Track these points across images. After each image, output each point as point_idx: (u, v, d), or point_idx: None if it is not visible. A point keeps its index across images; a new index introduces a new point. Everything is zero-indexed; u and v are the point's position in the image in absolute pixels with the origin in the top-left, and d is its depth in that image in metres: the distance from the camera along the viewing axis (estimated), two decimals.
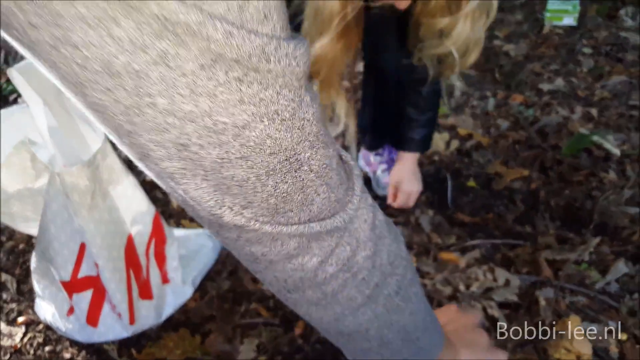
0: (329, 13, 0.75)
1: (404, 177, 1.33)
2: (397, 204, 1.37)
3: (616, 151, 1.60)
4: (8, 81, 2.05)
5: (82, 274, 1.00)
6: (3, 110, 0.97)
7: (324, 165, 0.37)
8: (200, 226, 1.32)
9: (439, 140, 1.67)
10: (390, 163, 1.46)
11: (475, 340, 0.63)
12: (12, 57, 2.14)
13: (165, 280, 1.13)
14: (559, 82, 2.04)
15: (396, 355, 0.52)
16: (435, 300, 1.15)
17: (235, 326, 1.11)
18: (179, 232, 1.28)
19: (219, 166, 0.32)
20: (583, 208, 1.43)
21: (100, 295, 1.04)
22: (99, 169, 0.88)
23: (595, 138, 1.62)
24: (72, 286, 1.01)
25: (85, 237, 0.93)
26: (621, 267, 1.26)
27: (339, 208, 0.40)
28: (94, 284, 1.02)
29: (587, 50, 2.31)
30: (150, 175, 0.35)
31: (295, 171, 0.35)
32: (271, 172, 0.33)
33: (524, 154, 1.63)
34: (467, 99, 1.94)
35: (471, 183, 1.53)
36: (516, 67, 2.15)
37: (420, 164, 1.57)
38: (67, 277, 0.99)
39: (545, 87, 2.00)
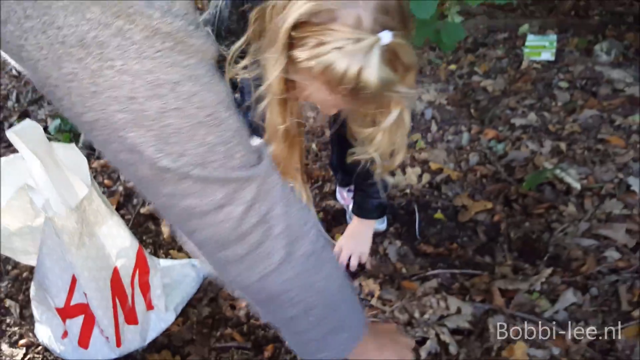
0: (274, 126, 0.90)
1: (353, 239, 1.45)
2: (351, 266, 1.44)
3: (577, 185, 1.71)
4: (18, 118, 2.21)
5: (74, 301, 1.14)
6: (4, 158, 1.13)
7: (239, 127, 0.53)
8: (187, 256, 1.46)
9: (412, 174, 1.80)
10: None
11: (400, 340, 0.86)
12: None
13: (149, 307, 1.26)
14: (532, 116, 2.16)
15: (322, 323, 0.65)
16: None
17: (210, 349, 1.24)
18: (165, 262, 1.41)
19: (160, 115, 0.46)
20: (540, 240, 1.55)
21: (90, 320, 1.17)
22: (86, 213, 1.02)
23: (557, 172, 1.74)
24: (66, 312, 1.15)
25: (75, 270, 1.07)
26: (569, 297, 1.36)
27: (256, 162, 0.55)
28: (85, 310, 1.16)
29: (563, 84, 2.43)
30: (104, 151, 0.50)
31: (217, 126, 0.50)
32: (199, 124, 0.48)
33: (490, 187, 1.75)
34: (443, 133, 2.07)
35: (439, 215, 1.65)
36: (492, 102, 2.27)
37: (392, 197, 1.70)
38: (61, 304, 1.13)
39: (517, 121, 2.12)
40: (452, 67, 2.57)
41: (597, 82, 2.42)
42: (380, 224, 1.56)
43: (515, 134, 2.05)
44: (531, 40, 2.63)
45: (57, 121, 2.03)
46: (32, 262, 1.21)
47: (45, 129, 2.13)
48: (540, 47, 2.59)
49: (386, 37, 0.70)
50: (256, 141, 0.57)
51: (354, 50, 0.69)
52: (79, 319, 1.16)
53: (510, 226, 1.60)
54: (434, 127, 2.10)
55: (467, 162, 1.89)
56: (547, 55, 2.58)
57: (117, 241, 1.14)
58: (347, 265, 1.43)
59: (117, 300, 1.16)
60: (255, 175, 0.54)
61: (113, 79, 0.42)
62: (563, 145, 1.97)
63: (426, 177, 1.79)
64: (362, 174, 1.26)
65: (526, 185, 1.68)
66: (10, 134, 0.92)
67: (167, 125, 0.46)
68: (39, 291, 1.19)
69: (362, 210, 1.42)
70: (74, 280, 1.11)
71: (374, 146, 0.89)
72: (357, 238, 1.45)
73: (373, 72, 0.69)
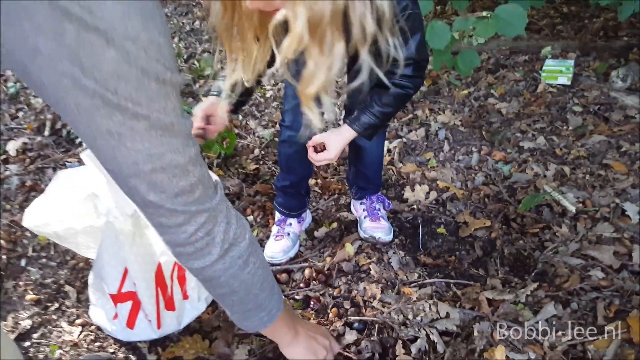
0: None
1: (330, 140, 1.45)
2: (312, 156, 1.48)
3: (572, 208, 1.87)
4: None
5: (125, 289, 1.39)
6: (61, 171, 1.40)
7: (202, 174, 0.79)
8: None
9: (420, 192, 1.99)
10: (371, 211, 1.80)
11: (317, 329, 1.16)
12: None
13: (185, 296, 1.51)
14: (540, 140, 2.31)
15: (244, 303, 0.97)
16: (387, 325, 1.47)
17: (234, 335, 1.47)
18: None
19: (151, 172, 0.72)
20: (531, 257, 1.72)
21: (137, 305, 1.42)
22: (139, 218, 1.27)
23: (554, 195, 1.90)
24: (117, 298, 1.40)
25: (127, 263, 1.32)
26: (551, 309, 1.53)
27: (211, 195, 0.83)
28: (133, 297, 1.41)
29: (577, 108, 2.57)
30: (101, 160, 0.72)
31: (186, 176, 0.76)
32: (174, 176, 0.74)
33: (491, 206, 1.93)
34: (454, 153, 2.25)
35: (441, 230, 1.84)
36: (504, 125, 2.44)
37: (400, 211, 1.90)
38: (114, 291, 1.38)
39: (526, 144, 2.28)
40: (465, 91, 2.73)
41: (611, 108, 2.55)
42: (387, 235, 1.76)
43: (523, 156, 2.22)
44: (549, 64, 2.76)
45: None
46: (91, 255, 1.47)
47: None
48: (557, 72, 2.72)
49: None
50: (214, 177, 0.87)
51: None
52: (128, 304, 1.41)
53: (505, 243, 1.77)
54: (446, 147, 2.28)
55: (473, 181, 2.06)
56: (564, 80, 2.72)
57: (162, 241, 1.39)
58: (316, 149, 1.49)
59: (159, 290, 1.41)
60: (208, 208, 0.81)
61: (125, 151, 0.68)
62: (567, 169, 2.13)
63: (433, 195, 1.98)
64: (379, 91, 1.36)
65: (522, 207, 1.86)
66: (83, 156, 1.18)
67: (154, 177, 0.72)
68: (96, 279, 1.45)
69: (352, 119, 1.44)
70: (125, 272, 1.36)
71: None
72: (332, 137, 1.45)
73: None
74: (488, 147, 2.27)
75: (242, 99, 1.58)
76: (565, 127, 2.43)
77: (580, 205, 1.91)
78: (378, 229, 1.77)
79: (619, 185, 2.01)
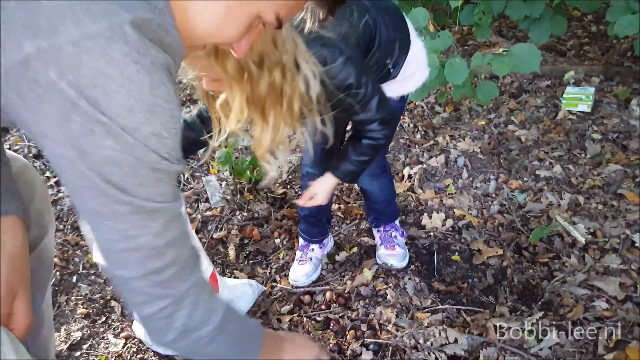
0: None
1: (318, 188, 1.60)
2: (303, 202, 1.63)
3: (582, 239, 1.97)
4: None
5: None
6: None
7: (184, 254, 0.74)
8: (247, 277, 1.86)
9: (437, 219, 2.12)
10: (386, 238, 1.94)
11: (302, 341, 1.08)
12: None
13: None
14: (557, 168, 2.40)
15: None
16: (400, 348, 1.61)
17: None
18: (230, 281, 1.82)
19: (125, 245, 0.69)
20: (539, 286, 1.83)
21: None
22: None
23: (565, 226, 2.00)
24: None
25: None
26: (554, 337, 1.64)
27: (182, 281, 0.75)
28: None
29: (596, 136, 2.64)
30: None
31: (160, 258, 0.70)
32: (146, 254, 0.69)
33: (505, 235, 2.04)
34: (472, 180, 2.37)
35: (456, 257, 1.96)
36: (523, 152, 2.53)
37: (417, 237, 2.03)
38: None
39: (542, 173, 2.37)
40: (484, 121, 2.82)
41: (630, 136, 2.61)
42: (400, 262, 1.90)
43: (539, 185, 2.31)
44: (569, 92, 2.84)
45: None
46: None
47: None
48: (577, 99, 2.80)
49: None
50: (199, 252, 0.86)
51: None
52: None
53: (515, 271, 1.88)
54: (464, 174, 2.39)
55: (489, 209, 2.18)
56: (584, 107, 2.79)
57: None
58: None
59: None
60: (175, 293, 0.75)
61: (103, 227, 0.68)
62: (581, 199, 2.21)
63: (449, 222, 2.11)
64: (352, 142, 1.50)
65: (532, 238, 1.96)
66: None
67: (124, 256, 0.70)
68: None
69: (333, 166, 1.57)
70: None
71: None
72: (319, 185, 1.60)
73: None
74: (505, 175, 2.37)
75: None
76: (583, 155, 2.51)
77: (590, 236, 2.00)
78: (392, 256, 1.91)
79: (630, 216, 2.09)
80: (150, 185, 0.65)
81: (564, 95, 2.85)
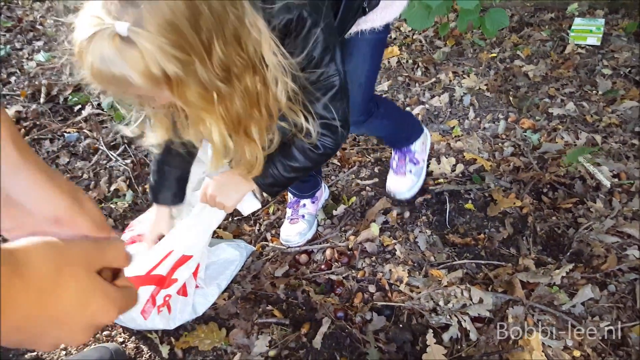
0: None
1: (225, 185, 1.21)
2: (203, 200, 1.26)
3: (607, 182, 1.76)
4: (73, 93, 2.37)
5: (156, 272, 1.28)
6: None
7: None
8: (232, 236, 1.60)
9: (446, 164, 1.87)
10: (398, 166, 1.76)
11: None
12: None
13: (196, 286, 1.42)
14: (570, 106, 2.17)
15: None
16: (416, 312, 1.39)
17: (253, 324, 1.39)
18: (213, 241, 1.56)
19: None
20: (565, 235, 1.62)
21: (157, 292, 1.33)
22: None
23: (589, 167, 1.79)
24: (143, 280, 1.29)
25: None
26: (588, 292, 1.45)
27: None
28: (160, 282, 1.30)
29: (606, 71, 2.41)
30: None
31: None
32: None
33: (522, 179, 1.81)
34: (480, 121, 2.12)
35: (469, 205, 1.74)
36: (532, 89, 2.29)
37: (425, 185, 1.79)
38: (143, 272, 1.27)
39: (555, 111, 2.14)
40: (493, 54, 2.56)
41: None
42: (402, 194, 1.74)
43: (552, 124, 2.09)
44: (578, 23, 2.59)
45: (110, 98, 2.17)
46: None
47: (98, 105, 2.28)
48: (586, 32, 2.55)
49: (121, 27, 0.71)
50: None
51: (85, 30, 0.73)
52: (150, 288, 1.30)
53: (537, 219, 1.67)
54: (471, 114, 2.15)
55: (502, 152, 1.94)
56: (593, 40, 2.55)
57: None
58: None
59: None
60: None
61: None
62: (599, 138, 2.00)
63: (459, 167, 1.87)
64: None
65: (568, 159, 1.76)
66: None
67: None
68: None
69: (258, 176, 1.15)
70: (169, 254, 1.27)
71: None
72: (227, 186, 1.20)
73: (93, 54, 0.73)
74: (515, 114, 2.14)
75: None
76: (594, 92, 2.29)
77: (615, 179, 1.80)
78: (397, 183, 1.76)
79: None
80: None
81: (572, 28, 2.60)
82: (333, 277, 1.51)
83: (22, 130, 2.18)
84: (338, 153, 1.96)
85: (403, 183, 1.75)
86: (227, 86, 0.80)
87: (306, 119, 1.01)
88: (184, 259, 1.29)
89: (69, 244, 0.40)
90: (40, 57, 2.70)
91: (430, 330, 1.35)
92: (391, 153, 1.80)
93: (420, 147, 1.76)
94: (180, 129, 1.01)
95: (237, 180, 1.17)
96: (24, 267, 0.35)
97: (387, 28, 1.32)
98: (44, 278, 0.36)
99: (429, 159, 1.89)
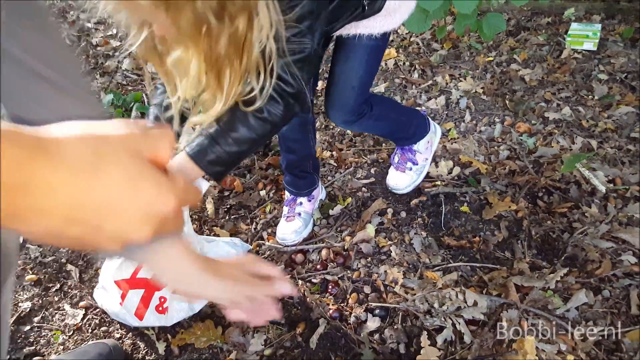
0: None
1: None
2: None
3: (602, 188, 1.77)
4: None
5: (139, 275, 1.30)
6: None
7: None
8: (229, 234, 1.60)
9: (443, 167, 1.88)
10: (400, 163, 1.79)
11: None
12: None
13: None
14: (566, 110, 2.18)
15: None
16: (411, 313, 1.39)
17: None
18: (210, 239, 1.55)
19: None
20: (559, 239, 1.63)
21: (149, 294, 1.33)
22: None
23: (584, 172, 1.79)
24: (129, 284, 1.31)
25: None
26: (582, 297, 1.45)
27: None
28: (146, 285, 1.31)
29: (602, 76, 2.42)
30: None
31: None
32: None
33: (518, 183, 1.82)
34: (476, 124, 2.13)
35: (465, 208, 1.74)
36: (528, 93, 2.30)
37: (422, 187, 1.80)
38: (127, 276, 1.29)
39: (551, 115, 2.15)
40: (490, 58, 2.57)
41: (638, 76, 2.41)
42: (400, 188, 1.79)
43: (548, 128, 2.09)
44: (575, 28, 2.60)
45: (110, 96, 2.16)
46: None
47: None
48: (583, 37, 2.57)
49: None
50: None
51: None
52: (140, 292, 1.32)
53: (532, 223, 1.68)
54: (467, 117, 2.15)
55: (497, 155, 1.95)
56: (589, 45, 2.56)
57: None
58: None
59: None
60: None
61: None
62: (594, 143, 2.01)
63: (456, 170, 1.87)
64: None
65: (564, 169, 1.76)
66: None
67: None
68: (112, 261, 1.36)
69: (198, 149, 1.04)
70: None
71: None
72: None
73: None
74: (511, 118, 2.14)
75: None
76: (590, 97, 2.30)
77: (611, 185, 1.81)
78: (396, 178, 1.79)
79: None
80: None
81: (569, 33, 2.61)
82: (328, 277, 1.51)
83: None
84: (335, 154, 1.96)
85: (402, 179, 1.78)
86: (219, 23, 0.78)
87: (264, 80, 0.94)
88: None
89: (106, 126, 0.36)
90: None
91: (425, 332, 1.35)
92: (394, 150, 1.83)
93: (424, 146, 1.77)
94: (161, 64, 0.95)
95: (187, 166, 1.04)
96: (56, 152, 0.32)
97: (385, 37, 1.34)
98: (82, 161, 0.33)
99: None
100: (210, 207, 1.73)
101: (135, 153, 0.37)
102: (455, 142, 2.01)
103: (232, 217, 1.74)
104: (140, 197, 0.36)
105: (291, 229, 1.63)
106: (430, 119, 1.80)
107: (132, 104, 2.12)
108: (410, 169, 1.77)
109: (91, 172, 0.34)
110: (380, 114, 1.53)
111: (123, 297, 1.33)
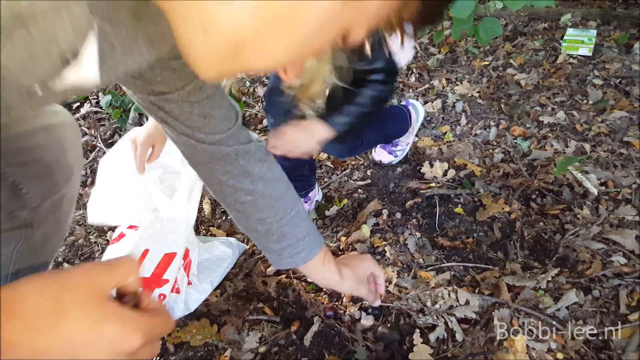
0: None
1: (300, 136, 1.38)
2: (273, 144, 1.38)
3: (594, 190, 1.80)
4: None
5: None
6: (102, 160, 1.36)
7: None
8: (225, 234, 1.63)
9: (438, 169, 1.91)
10: (384, 147, 1.94)
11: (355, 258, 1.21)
12: None
13: (189, 282, 1.44)
14: (561, 114, 2.22)
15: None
16: (404, 312, 1.41)
17: (244, 320, 1.41)
18: (205, 238, 1.58)
19: None
20: (551, 240, 1.65)
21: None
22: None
23: (577, 175, 1.82)
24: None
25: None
26: (572, 297, 1.48)
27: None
28: (145, 283, 1.34)
29: (597, 81, 2.46)
30: None
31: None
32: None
33: (511, 185, 1.85)
34: (472, 127, 2.16)
35: (459, 210, 1.77)
36: (523, 97, 2.33)
37: (417, 189, 1.82)
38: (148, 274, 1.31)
39: (546, 119, 2.18)
40: (486, 62, 2.61)
41: (632, 82, 2.44)
42: (388, 160, 1.96)
43: (542, 132, 2.12)
44: (570, 34, 2.64)
45: (109, 97, 2.19)
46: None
47: (97, 103, 2.30)
48: (578, 42, 2.60)
49: None
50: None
51: None
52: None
53: (525, 225, 1.70)
54: (463, 121, 2.18)
55: (492, 158, 1.98)
56: (585, 51, 2.60)
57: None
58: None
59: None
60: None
61: None
62: (587, 147, 2.04)
63: (451, 173, 1.90)
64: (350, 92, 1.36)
65: (557, 171, 1.79)
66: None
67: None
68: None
69: (330, 115, 1.38)
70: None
71: None
72: (303, 134, 1.37)
73: None
74: (507, 121, 2.18)
75: None
76: (585, 101, 2.33)
77: (603, 187, 1.83)
78: (380, 155, 1.96)
79: None
80: None
81: (564, 38, 2.64)
82: None
83: None
84: (331, 156, 1.99)
85: (386, 157, 1.98)
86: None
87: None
88: (169, 258, 1.31)
89: (68, 272, 0.38)
90: None
91: (417, 330, 1.37)
92: None
93: (404, 137, 1.93)
94: None
95: (309, 131, 1.36)
96: (14, 309, 0.34)
97: None
98: (42, 313, 0.35)
99: (421, 163, 1.92)
100: (207, 207, 1.76)
101: (99, 295, 0.39)
102: (451, 145, 2.04)
103: (228, 217, 1.77)
104: (105, 337, 0.38)
105: None
106: (411, 106, 1.92)
107: (131, 104, 2.15)
108: (393, 151, 1.95)
109: (51, 323, 0.35)
110: (370, 142, 1.74)
111: None
